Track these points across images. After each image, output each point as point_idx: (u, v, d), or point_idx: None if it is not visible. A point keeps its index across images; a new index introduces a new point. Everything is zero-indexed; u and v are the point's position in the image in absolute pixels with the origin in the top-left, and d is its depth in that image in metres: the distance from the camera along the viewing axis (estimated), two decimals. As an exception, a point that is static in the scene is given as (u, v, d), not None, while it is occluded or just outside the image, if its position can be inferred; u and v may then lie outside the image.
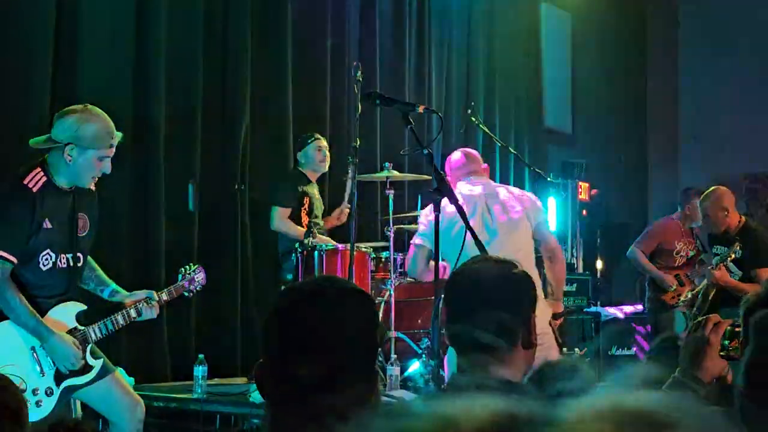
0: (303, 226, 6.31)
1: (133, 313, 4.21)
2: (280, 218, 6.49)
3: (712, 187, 6.69)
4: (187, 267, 4.52)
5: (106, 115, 4.08)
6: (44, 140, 4.03)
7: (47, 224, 3.99)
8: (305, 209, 6.52)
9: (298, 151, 6.70)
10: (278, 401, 1.73)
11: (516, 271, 2.32)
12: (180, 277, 4.47)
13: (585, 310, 8.31)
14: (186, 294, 4.48)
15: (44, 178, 3.96)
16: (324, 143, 6.70)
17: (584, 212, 9.70)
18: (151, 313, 4.27)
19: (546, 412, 0.62)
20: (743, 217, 6.55)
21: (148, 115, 6.49)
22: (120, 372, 5.76)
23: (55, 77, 5.93)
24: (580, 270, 9.42)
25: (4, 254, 3.88)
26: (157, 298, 4.29)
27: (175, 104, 6.69)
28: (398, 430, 0.64)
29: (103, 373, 4.22)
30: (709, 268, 6.47)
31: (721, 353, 2.30)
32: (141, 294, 4.27)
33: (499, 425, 0.61)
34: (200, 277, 4.50)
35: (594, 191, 9.96)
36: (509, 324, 2.24)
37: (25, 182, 3.92)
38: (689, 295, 6.84)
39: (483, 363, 2.22)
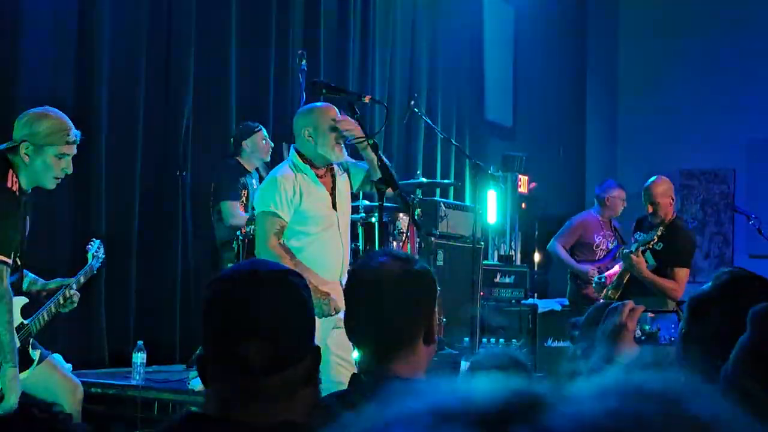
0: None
1: (61, 299, 4.24)
2: (234, 211, 6.43)
3: (661, 176, 6.71)
4: (92, 244, 4.57)
5: (63, 114, 4.11)
6: (7, 145, 4.03)
7: (23, 226, 4.03)
8: (242, 202, 6.50)
9: (242, 139, 6.64)
10: (226, 385, 1.75)
11: (417, 268, 2.31)
12: (91, 257, 4.51)
13: (522, 302, 8.40)
14: (94, 272, 4.55)
15: (17, 181, 3.96)
16: (265, 132, 6.67)
17: (523, 205, 9.79)
18: (75, 297, 4.30)
19: (560, 391, 0.63)
20: (675, 214, 6.62)
21: (89, 99, 6.43)
22: (57, 357, 5.72)
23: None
24: (518, 262, 9.52)
25: (1, 257, 3.84)
26: (76, 282, 4.32)
27: (117, 90, 6.63)
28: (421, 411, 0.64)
29: (41, 358, 4.21)
30: (625, 251, 6.45)
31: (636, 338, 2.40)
32: (57, 281, 4.30)
33: (519, 404, 0.61)
34: (102, 252, 4.58)
35: (533, 184, 10.06)
36: (411, 322, 2.24)
37: (8, 185, 3.91)
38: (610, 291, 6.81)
39: (385, 361, 2.22)
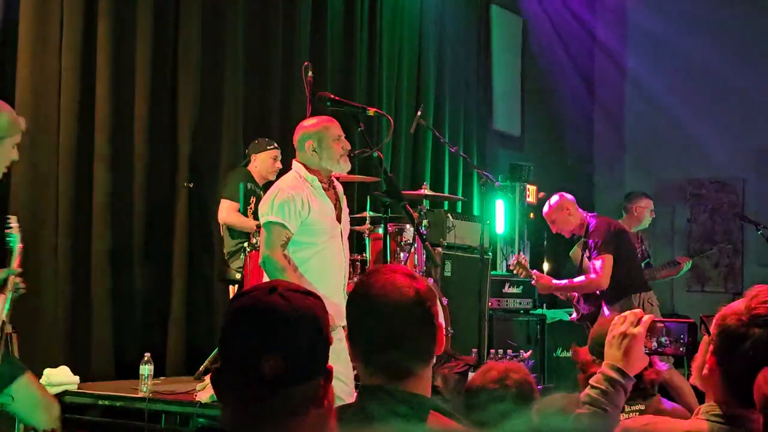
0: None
1: (18, 283, 4.16)
2: (228, 211, 6.46)
3: (553, 196, 6.86)
4: (8, 221, 4.39)
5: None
6: None
7: None
8: (251, 209, 6.50)
9: (254, 152, 6.66)
10: (239, 400, 1.78)
11: (423, 285, 2.26)
12: (16, 237, 4.34)
13: (531, 312, 8.38)
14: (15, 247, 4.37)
15: None
16: (279, 154, 6.67)
17: (531, 215, 9.78)
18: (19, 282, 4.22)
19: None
20: (585, 219, 6.64)
21: (94, 111, 6.44)
22: (65, 369, 5.72)
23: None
24: (527, 272, 9.49)
25: None
26: (15, 264, 4.23)
27: (122, 101, 6.64)
28: None
29: (16, 375, 4.15)
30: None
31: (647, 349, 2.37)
32: (6, 271, 4.21)
33: None
34: (12, 223, 4.38)
35: (541, 194, 10.05)
36: (426, 342, 2.21)
37: None
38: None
39: (391, 379, 2.17)
